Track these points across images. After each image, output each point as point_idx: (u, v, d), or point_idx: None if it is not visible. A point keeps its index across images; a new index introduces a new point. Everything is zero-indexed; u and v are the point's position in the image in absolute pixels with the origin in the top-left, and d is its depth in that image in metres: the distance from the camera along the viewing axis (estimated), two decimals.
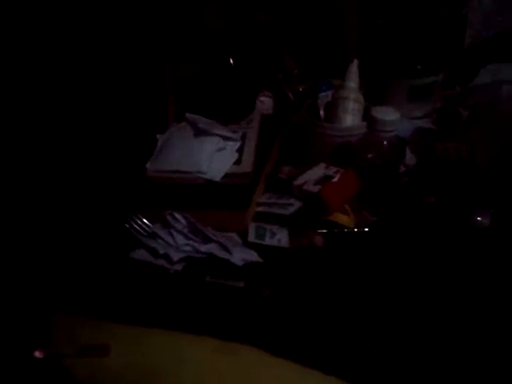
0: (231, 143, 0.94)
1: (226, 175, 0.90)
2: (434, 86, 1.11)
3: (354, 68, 0.98)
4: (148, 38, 1.11)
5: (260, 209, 0.90)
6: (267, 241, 0.83)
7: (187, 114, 0.98)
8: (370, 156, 0.87)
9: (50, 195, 0.90)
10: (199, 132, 0.95)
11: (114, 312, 0.73)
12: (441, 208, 0.84)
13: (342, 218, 0.85)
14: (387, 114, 0.85)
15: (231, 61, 1.10)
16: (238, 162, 0.92)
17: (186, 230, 0.82)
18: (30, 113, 0.98)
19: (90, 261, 0.80)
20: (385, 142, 0.85)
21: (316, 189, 0.86)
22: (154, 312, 0.73)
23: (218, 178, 0.89)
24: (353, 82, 0.97)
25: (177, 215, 0.83)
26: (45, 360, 0.67)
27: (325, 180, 0.87)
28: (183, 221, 0.83)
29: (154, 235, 0.82)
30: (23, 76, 0.96)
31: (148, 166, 0.93)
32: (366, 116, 0.95)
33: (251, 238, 0.83)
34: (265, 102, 1.11)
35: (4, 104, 0.94)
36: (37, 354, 0.67)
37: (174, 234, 0.81)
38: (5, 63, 0.93)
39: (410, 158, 0.94)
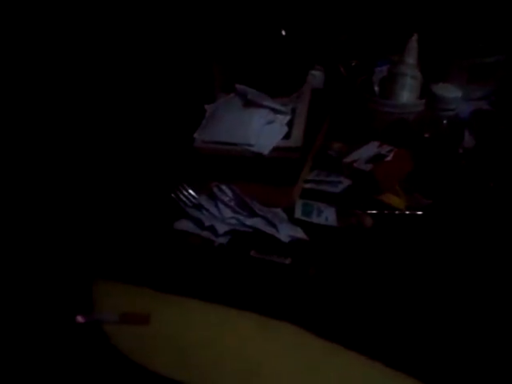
0: (281, 116, 0.92)
1: (275, 149, 0.87)
2: (495, 66, 1.05)
3: (413, 43, 0.94)
4: (196, 7, 1.09)
5: (308, 186, 0.88)
6: (314, 218, 0.81)
7: (237, 85, 0.96)
8: (427, 135, 0.83)
9: (100, 163, 0.90)
10: (248, 103, 0.92)
11: (157, 281, 0.73)
12: (501, 193, 0.80)
13: (393, 199, 0.82)
14: (449, 92, 0.81)
15: (283, 32, 1.07)
16: (287, 136, 0.89)
17: (232, 203, 0.80)
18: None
19: (135, 229, 0.80)
20: (444, 121, 0.81)
21: (368, 167, 0.83)
22: (196, 284, 0.72)
23: (266, 152, 0.87)
24: (411, 57, 0.93)
25: (223, 187, 0.82)
26: (86, 326, 0.67)
27: (377, 159, 0.84)
28: (229, 193, 0.81)
29: (199, 206, 0.81)
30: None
31: (196, 136, 0.92)
32: (423, 94, 0.91)
33: (298, 214, 0.81)
34: (316, 76, 1.07)
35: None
36: (78, 318, 0.67)
37: (220, 206, 0.80)
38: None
39: (468, 139, 0.89)
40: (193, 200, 0.83)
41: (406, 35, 0.98)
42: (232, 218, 0.79)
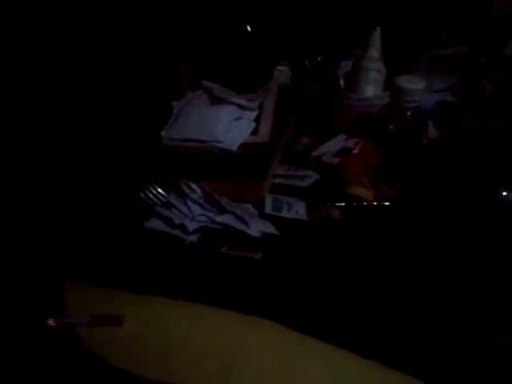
0: (248, 112, 0.92)
1: (243, 145, 0.87)
2: (457, 58, 1.07)
3: (376, 37, 0.95)
4: (162, 5, 1.08)
5: (277, 180, 0.89)
6: (284, 213, 0.81)
7: (203, 82, 0.95)
8: (391, 127, 0.84)
9: (67, 162, 0.89)
10: (216, 100, 0.92)
11: (128, 281, 0.72)
12: (465, 182, 0.82)
13: (361, 191, 0.83)
14: (412, 83, 0.82)
15: (248, 28, 1.07)
16: (254, 132, 0.89)
17: (201, 200, 0.80)
18: (49, 92, 0.96)
19: (104, 229, 0.79)
20: (408, 113, 0.83)
21: (335, 161, 0.84)
22: (169, 282, 0.72)
23: (234, 148, 0.87)
24: (375, 51, 0.94)
25: (192, 185, 0.82)
26: (58, 329, 0.66)
27: (344, 152, 0.85)
28: (199, 191, 0.81)
29: (169, 205, 0.81)
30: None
31: (163, 134, 0.91)
32: (388, 86, 0.92)
33: (268, 209, 0.82)
34: (282, 71, 1.08)
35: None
36: (50, 322, 0.66)
37: (190, 203, 0.80)
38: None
39: (432, 131, 0.91)
40: (162, 198, 0.83)
41: (370, 29, 1.00)
42: (202, 215, 0.79)
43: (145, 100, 1.01)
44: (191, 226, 0.77)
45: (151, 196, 0.83)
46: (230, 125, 0.89)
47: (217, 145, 0.87)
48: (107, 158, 0.91)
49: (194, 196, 0.80)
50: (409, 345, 0.63)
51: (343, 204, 0.81)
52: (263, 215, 0.81)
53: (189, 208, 0.80)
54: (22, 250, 0.77)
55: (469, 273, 0.70)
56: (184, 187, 0.81)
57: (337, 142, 0.88)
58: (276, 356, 0.64)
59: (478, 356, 0.60)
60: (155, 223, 0.79)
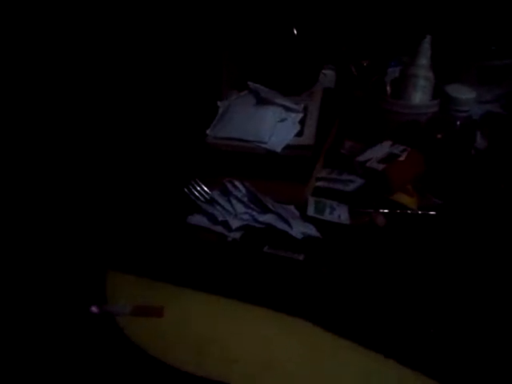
0: (293, 114, 0.92)
1: (287, 146, 0.88)
2: (506, 70, 1.05)
3: (426, 44, 0.94)
4: (208, 5, 1.09)
5: (319, 184, 0.88)
6: (327, 216, 0.81)
7: (250, 83, 0.96)
8: (439, 136, 0.83)
9: (115, 158, 0.90)
10: (261, 101, 0.92)
11: (171, 274, 0.73)
12: None
13: (405, 199, 0.82)
14: (463, 93, 0.81)
15: (295, 31, 1.07)
16: (299, 134, 0.90)
17: (245, 199, 0.80)
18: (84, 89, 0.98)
19: (149, 222, 0.80)
20: (458, 122, 0.81)
21: (380, 167, 0.83)
22: (209, 278, 0.72)
23: (278, 149, 0.87)
24: (424, 59, 0.94)
25: (236, 183, 0.82)
26: (100, 317, 0.67)
27: (390, 158, 0.84)
28: (243, 189, 0.82)
29: (212, 201, 0.81)
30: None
31: (208, 132, 0.92)
32: (436, 95, 0.91)
33: (310, 212, 0.81)
34: (327, 75, 1.08)
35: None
36: (93, 309, 0.67)
37: (233, 201, 0.80)
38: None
39: (480, 141, 0.89)
40: (205, 195, 0.83)
41: (418, 36, 0.99)
42: (245, 213, 0.79)
43: (191, 99, 1.02)
44: (234, 223, 0.78)
45: (195, 192, 0.83)
46: (275, 126, 0.89)
47: (261, 145, 0.88)
48: (155, 154, 0.92)
49: (238, 194, 0.81)
50: (451, 356, 0.61)
51: (387, 211, 0.81)
52: (305, 217, 0.81)
53: (232, 205, 0.80)
54: (67, 239, 0.78)
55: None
56: (228, 185, 0.82)
57: (382, 148, 0.87)
58: (312, 359, 0.63)
59: None
60: (199, 219, 0.80)
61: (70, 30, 0.94)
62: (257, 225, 0.79)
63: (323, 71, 1.08)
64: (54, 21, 0.93)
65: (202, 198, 0.83)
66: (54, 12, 0.92)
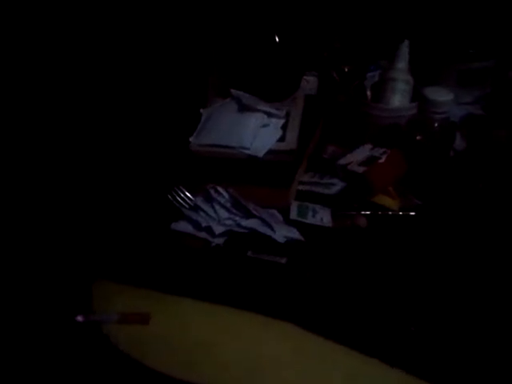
0: (275, 120, 0.93)
1: (270, 152, 0.89)
2: (484, 72, 1.07)
3: (404, 48, 0.96)
4: (191, 13, 1.10)
5: (302, 187, 0.89)
6: (309, 219, 0.82)
7: (232, 90, 0.97)
8: (418, 138, 0.84)
9: (97, 165, 0.91)
10: (244, 108, 0.94)
11: (156, 281, 0.73)
12: (490, 195, 0.82)
13: (387, 201, 0.84)
14: (441, 95, 0.83)
15: (276, 38, 1.08)
16: (281, 139, 0.91)
17: (228, 204, 0.81)
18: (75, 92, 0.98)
19: (133, 230, 0.80)
20: (436, 124, 0.83)
21: (361, 169, 0.84)
22: (193, 284, 0.73)
23: (261, 154, 0.88)
24: (402, 62, 0.95)
25: (219, 189, 0.83)
26: (85, 325, 0.67)
27: (371, 161, 0.85)
28: (225, 195, 0.82)
29: (196, 208, 0.82)
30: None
31: (191, 139, 0.93)
32: (415, 97, 0.93)
33: (293, 215, 0.82)
34: (309, 82, 1.09)
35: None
36: (78, 318, 0.68)
37: (217, 207, 0.81)
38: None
39: (459, 142, 0.91)
40: (189, 202, 0.84)
41: (397, 40, 1.00)
42: (228, 218, 0.80)
43: (174, 106, 1.03)
44: (218, 229, 0.78)
45: (179, 199, 0.84)
46: (258, 131, 0.91)
47: (244, 151, 0.89)
48: (138, 162, 0.92)
49: (221, 200, 0.82)
50: (432, 354, 0.62)
51: (369, 213, 0.82)
52: (288, 221, 0.82)
53: (215, 211, 0.81)
54: (52, 248, 0.78)
55: (495, 284, 0.69)
56: (211, 191, 0.83)
57: (363, 151, 0.88)
58: (299, 362, 0.64)
59: (507, 368, 0.60)
60: (183, 225, 0.81)
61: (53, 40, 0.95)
62: (240, 230, 0.79)
63: (305, 77, 1.10)
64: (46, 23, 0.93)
65: (186, 205, 0.84)
66: (45, 15, 0.93)
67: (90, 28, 0.99)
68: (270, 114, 0.93)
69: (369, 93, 0.98)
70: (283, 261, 0.75)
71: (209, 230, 0.79)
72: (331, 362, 0.64)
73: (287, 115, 0.96)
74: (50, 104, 0.95)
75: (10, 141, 0.90)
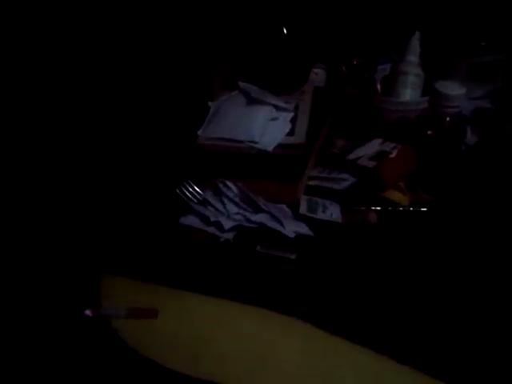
0: (284, 113, 0.92)
1: (279, 146, 0.88)
2: (495, 66, 1.06)
3: (415, 41, 0.94)
4: (198, 5, 1.09)
5: (311, 182, 0.88)
6: (319, 215, 0.81)
7: (240, 83, 0.96)
8: (429, 132, 0.83)
9: (105, 160, 0.90)
10: (252, 101, 0.93)
11: (164, 276, 0.73)
12: (502, 190, 0.81)
13: (397, 196, 0.83)
14: (452, 89, 0.81)
15: (284, 30, 1.07)
16: (291, 133, 0.90)
17: (237, 199, 0.81)
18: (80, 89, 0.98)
19: (142, 224, 0.80)
20: (447, 118, 0.82)
21: (371, 164, 0.83)
22: (203, 279, 0.72)
23: (270, 148, 0.87)
24: (413, 56, 0.94)
25: (228, 183, 0.82)
26: (94, 320, 0.67)
27: (381, 156, 0.84)
28: (235, 189, 0.82)
29: (205, 202, 0.81)
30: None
31: (199, 133, 0.92)
32: (426, 91, 0.91)
33: (303, 210, 0.82)
34: (318, 74, 1.08)
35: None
36: (87, 312, 0.67)
37: (226, 201, 0.80)
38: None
39: (470, 137, 0.90)
40: (198, 196, 0.83)
41: (408, 33, 0.99)
42: (237, 213, 0.79)
43: (181, 100, 1.02)
44: (227, 223, 0.78)
45: (187, 193, 0.83)
46: (267, 125, 0.90)
47: (253, 145, 0.88)
48: (147, 156, 0.92)
49: (230, 194, 0.81)
50: (445, 352, 0.62)
51: (379, 208, 0.81)
52: (298, 216, 0.81)
53: (225, 206, 0.80)
54: (60, 242, 0.78)
55: (509, 280, 0.68)
56: (220, 185, 0.82)
57: (373, 146, 0.87)
58: (306, 357, 0.63)
59: None
60: (191, 220, 0.80)
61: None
62: (249, 225, 0.79)
63: (314, 70, 1.08)
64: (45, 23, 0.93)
65: (195, 199, 0.83)
66: (44, 15, 0.92)
67: (93, 21, 0.98)
68: (278, 108, 0.92)
69: (379, 86, 0.97)
70: (293, 256, 0.74)
71: (218, 224, 0.78)
72: (339, 359, 0.63)
73: (296, 108, 0.95)
74: (56, 99, 0.94)
75: (21, 133, 0.89)
